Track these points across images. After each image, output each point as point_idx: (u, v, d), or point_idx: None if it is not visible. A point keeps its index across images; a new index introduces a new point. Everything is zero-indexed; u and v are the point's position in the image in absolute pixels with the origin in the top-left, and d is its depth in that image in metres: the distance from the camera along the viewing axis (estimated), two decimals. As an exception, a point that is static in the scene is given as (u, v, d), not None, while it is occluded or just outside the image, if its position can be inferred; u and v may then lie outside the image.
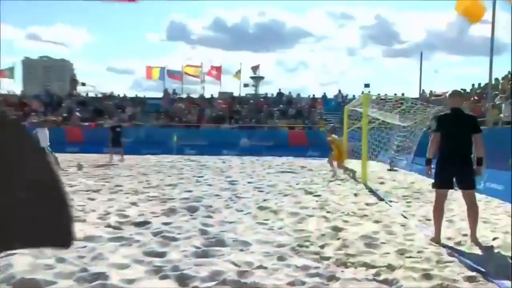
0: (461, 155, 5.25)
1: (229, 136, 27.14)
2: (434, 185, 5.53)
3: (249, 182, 11.50)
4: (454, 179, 5.36)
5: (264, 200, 8.41)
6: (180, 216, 6.70)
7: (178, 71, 37.01)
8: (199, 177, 12.72)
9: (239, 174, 13.99)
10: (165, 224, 6.04)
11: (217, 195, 9.03)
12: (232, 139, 26.96)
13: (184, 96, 35.05)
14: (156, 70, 36.09)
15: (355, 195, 9.59)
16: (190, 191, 9.45)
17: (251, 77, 48.30)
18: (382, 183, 12.34)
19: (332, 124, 21.97)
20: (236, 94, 37.10)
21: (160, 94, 35.09)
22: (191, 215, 6.77)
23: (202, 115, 30.36)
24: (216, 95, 36.21)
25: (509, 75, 22.58)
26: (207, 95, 35.89)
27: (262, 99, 34.31)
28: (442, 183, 5.39)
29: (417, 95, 25.25)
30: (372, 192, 10.12)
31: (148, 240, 5.16)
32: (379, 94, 23.26)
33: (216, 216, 6.81)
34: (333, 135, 13.52)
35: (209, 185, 10.83)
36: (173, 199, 8.32)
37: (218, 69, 37.70)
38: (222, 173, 14.03)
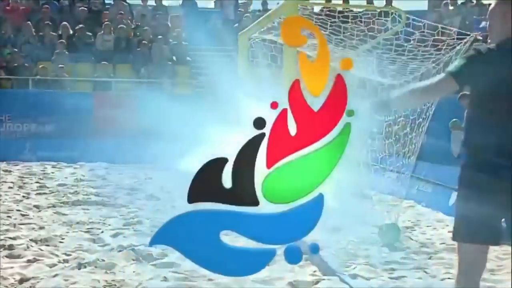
0: None
1: None
2: (455, 236, 4.89)
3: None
4: (503, 221, 4.78)
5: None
6: None
7: None
8: None
9: None
10: None
11: None
12: None
13: None
14: None
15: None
16: None
17: None
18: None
19: None
20: None
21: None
22: None
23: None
24: None
25: None
26: None
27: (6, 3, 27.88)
28: (475, 231, 4.73)
29: (425, 5, 22.73)
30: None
31: None
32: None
33: None
34: None
35: None
36: None
37: None
38: None
